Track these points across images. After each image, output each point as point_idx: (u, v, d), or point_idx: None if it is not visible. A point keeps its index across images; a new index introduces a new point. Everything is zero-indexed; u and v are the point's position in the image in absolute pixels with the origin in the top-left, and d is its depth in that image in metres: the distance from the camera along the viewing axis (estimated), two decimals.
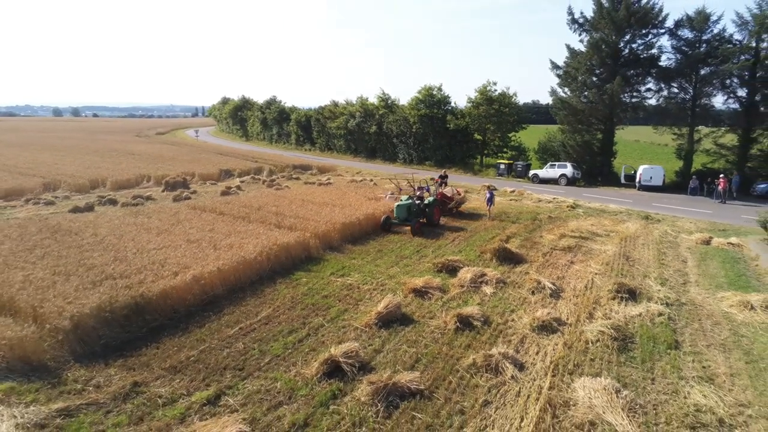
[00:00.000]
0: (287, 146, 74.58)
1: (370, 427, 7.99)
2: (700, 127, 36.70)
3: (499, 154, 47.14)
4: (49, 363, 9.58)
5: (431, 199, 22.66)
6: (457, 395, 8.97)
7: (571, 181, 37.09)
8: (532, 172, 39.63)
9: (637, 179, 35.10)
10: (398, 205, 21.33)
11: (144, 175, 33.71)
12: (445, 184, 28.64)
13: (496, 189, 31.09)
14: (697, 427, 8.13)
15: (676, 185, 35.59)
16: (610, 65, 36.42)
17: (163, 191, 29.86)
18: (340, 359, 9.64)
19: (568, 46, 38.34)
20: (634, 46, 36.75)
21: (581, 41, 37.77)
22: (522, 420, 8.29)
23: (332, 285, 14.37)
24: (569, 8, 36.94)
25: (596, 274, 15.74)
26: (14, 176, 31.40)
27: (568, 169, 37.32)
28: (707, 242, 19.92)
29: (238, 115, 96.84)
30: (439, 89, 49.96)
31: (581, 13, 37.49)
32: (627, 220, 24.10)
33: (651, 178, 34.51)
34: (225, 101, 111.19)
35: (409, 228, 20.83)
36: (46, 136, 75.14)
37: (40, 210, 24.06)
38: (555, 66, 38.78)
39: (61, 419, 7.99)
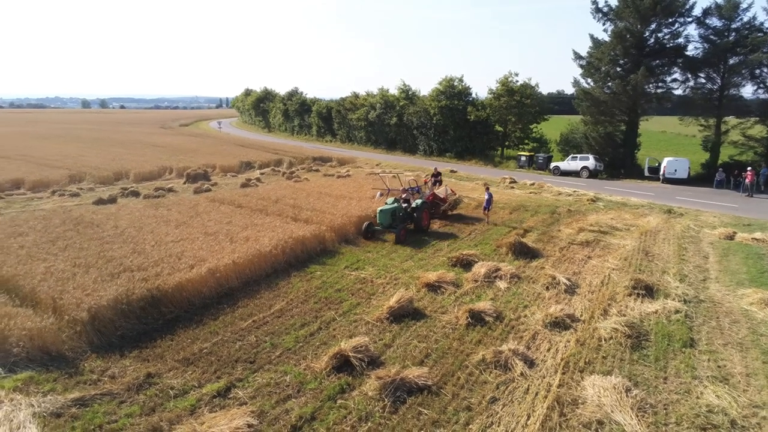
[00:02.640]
0: (308, 138, 74.93)
1: (376, 422, 8.06)
2: (727, 118, 35.75)
3: (520, 146, 46.64)
4: (67, 353, 9.85)
5: (419, 201, 20.11)
6: (465, 391, 8.98)
7: (592, 174, 36.54)
8: (553, 164, 39.14)
9: (661, 172, 34.42)
10: (381, 210, 18.72)
11: (166, 167, 34.27)
12: (439, 183, 25.89)
13: (491, 185, 29.16)
14: (708, 428, 8.00)
15: (702, 178, 34.79)
16: (635, 55, 35.62)
17: (184, 183, 30.32)
18: (350, 354, 9.72)
19: (591, 36, 37.65)
20: (659, 35, 35.88)
21: (605, 31, 37.07)
22: (529, 418, 8.26)
23: (346, 278, 14.46)
24: None
25: (613, 269, 15.54)
26: (41, 168, 32.17)
27: (590, 161, 36.76)
28: (731, 237, 19.46)
29: (260, 107, 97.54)
30: (461, 80, 49.65)
31: (605, 1, 36.74)
32: (648, 214, 23.67)
33: (675, 170, 33.80)
34: (248, 93, 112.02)
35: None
36: (73, 128, 76.73)
37: (65, 201, 24.66)
38: (578, 56, 38.11)
39: (76, 409, 8.23)
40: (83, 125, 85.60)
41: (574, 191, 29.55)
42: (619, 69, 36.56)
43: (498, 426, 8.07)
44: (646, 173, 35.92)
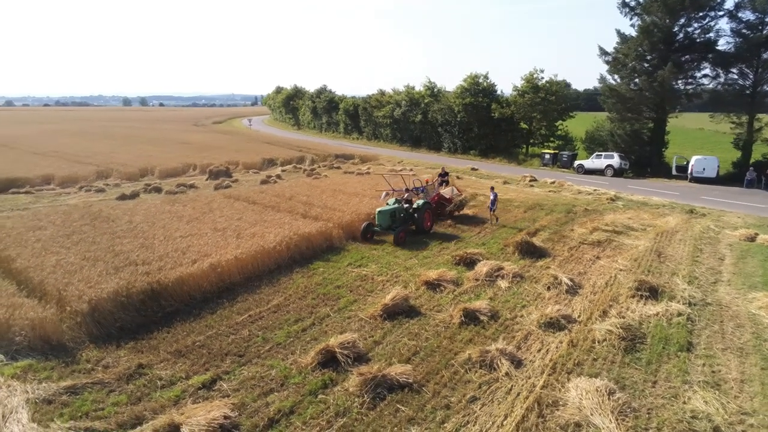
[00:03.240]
0: (336, 135, 75.48)
1: (353, 417, 8.15)
2: (761, 115, 34.40)
3: (545, 144, 45.96)
4: (67, 343, 10.26)
5: (421, 202, 19.42)
6: (447, 390, 8.99)
7: (617, 172, 35.74)
8: (577, 162, 38.43)
9: (689, 170, 33.44)
10: (380, 211, 18.11)
11: (190, 164, 35.06)
12: (446, 183, 25.16)
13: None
14: None
15: (732, 177, 33.63)
16: (663, 50, 34.65)
17: (206, 179, 31.00)
18: (336, 349, 9.83)
19: (618, 32, 36.74)
20: (689, 30, 34.84)
21: (632, 26, 36.21)
22: (506, 418, 8.23)
23: (348, 275, 14.59)
24: None
25: (621, 270, 15.25)
26: (71, 164, 33.38)
27: (615, 160, 35.97)
28: (752, 239, 18.82)
29: (290, 104, 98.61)
30: (485, 77, 49.21)
31: None
32: (668, 214, 23.05)
33: (704, 169, 32.79)
34: (278, 90, 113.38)
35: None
36: (109, 126, 79.18)
37: (90, 197, 25.53)
38: (603, 52, 37.27)
39: (67, 396, 8.58)
40: (119, 123, 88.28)
41: (595, 190, 28.99)
42: (646, 65, 35.64)
43: (473, 425, 8.06)
44: (674, 172, 34.92)
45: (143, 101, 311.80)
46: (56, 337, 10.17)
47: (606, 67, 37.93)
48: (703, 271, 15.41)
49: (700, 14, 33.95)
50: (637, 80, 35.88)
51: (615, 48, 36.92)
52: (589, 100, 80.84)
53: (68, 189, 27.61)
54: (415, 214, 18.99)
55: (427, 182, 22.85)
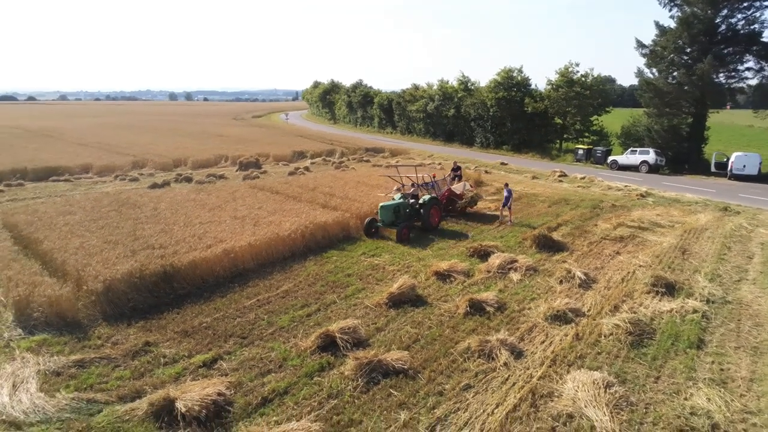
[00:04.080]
0: (370, 129, 75.73)
1: (344, 400, 8.26)
2: None
3: (580, 139, 44.95)
4: (82, 321, 10.73)
5: (427, 197, 18.57)
6: (442, 378, 8.99)
7: (653, 169, 34.66)
8: (611, 158, 37.43)
9: (729, 167, 32.15)
10: (383, 206, 17.42)
11: (223, 155, 35.84)
12: (459, 178, 24.18)
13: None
14: (685, 430, 7.61)
15: None
16: (704, 43, 33.36)
17: (236, 170, 31.65)
18: (337, 334, 9.96)
19: (657, 23, 35.62)
20: (732, 21, 33.42)
21: (671, 17, 34.93)
22: (497, 406, 8.18)
23: (360, 264, 14.70)
24: None
25: (641, 266, 14.83)
26: (110, 155, 34.64)
27: (651, 156, 34.87)
28: None
29: (327, 99, 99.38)
30: (520, 71, 48.41)
31: None
32: (700, 211, 22.23)
33: (744, 166, 31.48)
34: (316, 85, 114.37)
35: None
36: (152, 119, 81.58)
37: (124, 186, 26.46)
38: (641, 44, 36.15)
39: (75, 369, 9.00)
40: (162, 117, 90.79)
41: (626, 186, 28.19)
42: (685, 57, 34.42)
43: (464, 412, 8.04)
44: (713, 169, 33.64)
45: (188, 96, 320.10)
46: (72, 314, 10.65)
47: (643, 60, 36.82)
48: (727, 269, 14.86)
49: (745, 4, 32.55)
50: (675, 74, 34.68)
51: (653, 41, 35.79)
52: (633, 97, 78.70)
53: (105, 178, 28.68)
54: (421, 210, 18.16)
55: (434, 176, 21.90)
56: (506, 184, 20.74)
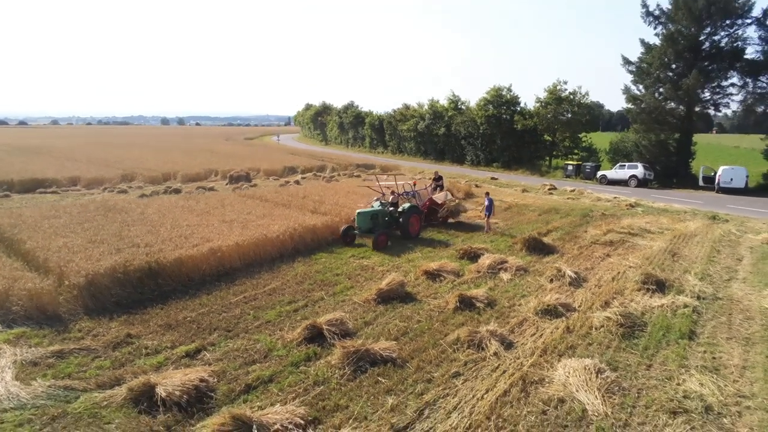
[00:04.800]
0: (361, 149, 76.13)
1: (331, 387, 8.03)
2: None
3: (569, 156, 45.34)
4: (63, 314, 10.45)
5: (407, 205, 18.15)
6: (431, 366, 8.78)
7: (642, 183, 34.94)
8: (600, 173, 37.75)
9: (716, 180, 32.46)
10: (360, 213, 17.03)
11: (213, 169, 35.78)
12: (441, 188, 23.62)
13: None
14: (678, 413, 7.45)
15: (763, 188, 32.60)
16: (689, 59, 34.02)
17: (226, 184, 31.54)
18: (324, 326, 9.76)
19: (642, 41, 36.34)
20: (716, 38, 34.10)
21: (656, 35, 35.62)
22: (487, 392, 7.99)
23: (349, 265, 14.55)
24: (643, 0, 34.93)
25: (631, 267, 14.79)
26: (99, 168, 34.44)
27: (639, 170, 35.19)
28: None
29: (319, 120, 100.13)
30: (509, 89, 49.03)
31: (657, 5, 35.46)
32: (689, 219, 22.34)
33: (731, 179, 31.80)
34: (307, 107, 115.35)
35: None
36: (143, 139, 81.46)
37: (113, 197, 26.19)
38: (627, 62, 36.81)
39: (53, 359, 8.72)
40: (154, 137, 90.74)
41: (615, 197, 28.40)
42: (671, 74, 35.01)
43: (453, 398, 7.84)
44: (701, 183, 33.99)
45: (181, 121, 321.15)
46: (52, 308, 10.38)
47: (630, 77, 37.41)
48: (717, 270, 14.85)
49: (727, 22, 33.26)
50: (661, 89, 35.20)
51: (639, 58, 36.45)
52: (623, 120, 79.89)
53: (93, 190, 28.46)
54: (400, 218, 17.74)
55: (414, 184, 21.42)
56: (487, 193, 20.49)
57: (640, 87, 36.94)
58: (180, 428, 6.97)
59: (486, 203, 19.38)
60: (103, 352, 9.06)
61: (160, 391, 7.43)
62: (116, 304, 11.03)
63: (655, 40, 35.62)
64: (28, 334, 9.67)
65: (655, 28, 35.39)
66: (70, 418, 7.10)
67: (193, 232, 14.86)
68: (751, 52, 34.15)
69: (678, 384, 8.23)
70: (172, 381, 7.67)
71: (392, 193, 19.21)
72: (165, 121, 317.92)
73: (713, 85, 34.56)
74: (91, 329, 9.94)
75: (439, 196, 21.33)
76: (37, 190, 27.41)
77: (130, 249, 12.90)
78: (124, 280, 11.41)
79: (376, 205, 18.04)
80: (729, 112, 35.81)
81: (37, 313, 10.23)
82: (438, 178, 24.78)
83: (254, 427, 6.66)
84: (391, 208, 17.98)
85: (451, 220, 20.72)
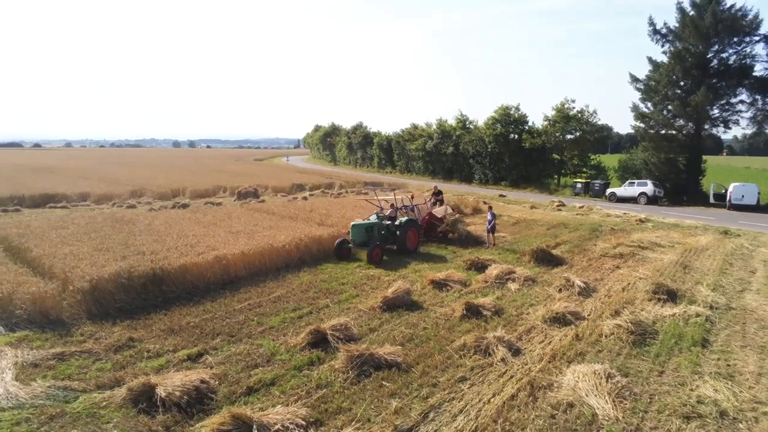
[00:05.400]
0: (370, 169, 76.29)
1: (334, 390, 7.86)
2: None
3: (578, 174, 45.17)
4: (66, 319, 10.40)
5: (404, 219, 17.64)
6: (437, 372, 8.59)
7: (651, 200, 34.63)
8: (609, 190, 37.48)
9: (728, 197, 32.13)
10: (355, 225, 16.50)
11: (221, 186, 35.99)
12: (441, 202, 23.06)
13: (486, 203, 25.06)
14: (692, 418, 7.20)
15: None
16: (697, 76, 33.99)
17: (234, 200, 31.65)
18: (328, 331, 9.63)
19: (650, 59, 36.38)
20: (724, 55, 34.12)
21: (664, 53, 35.66)
22: (494, 396, 7.79)
23: (355, 275, 14.43)
24: (650, 18, 35.21)
25: (641, 278, 14.54)
26: (109, 185, 34.75)
27: (649, 187, 34.91)
28: None
29: (327, 141, 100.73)
30: (517, 108, 49.13)
31: (664, 23, 35.63)
32: (700, 234, 22.03)
33: (743, 196, 31.46)
34: (317, 128, 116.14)
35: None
36: (154, 159, 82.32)
37: (121, 210, 26.32)
38: (635, 79, 36.83)
39: (54, 361, 8.63)
40: (165, 158, 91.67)
41: (624, 213, 28.14)
42: (678, 91, 34.96)
43: (459, 401, 7.65)
44: (711, 200, 33.63)
45: (192, 144, 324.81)
46: (55, 312, 10.34)
47: (638, 95, 37.41)
48: (730, 281, 14.56)
49: (735, 39, 33.28)
50: (670, 107, 35.12)
51: (647, 75, 36.48)
52: (631, 142, 79.81)
53: (102, 205, 28.62)
54: (397, 232, 17.14)
55: (412, 197, 20.88)
56: (490, 207, 20.08)
57: (649, 105, 36.92)
58: (179, 428, 6.83)
59: (489, 218, 18.87)
60: (105, 355, 8.97)
61: (160, 392, 7.31)
62: (119, 310, 10.96)
63: (663, 58, 35.76)
64: (31, 337, 9.61)
65: (662, 45, 35.55)
66: (68, 418, 6.98)
67: (198, 241, 14.84)
68: (759, 69, 34.24)
69: (691, 390, 7.97)
70: (172, 381, 7.55)
71: (390, 206, 18.74)
72: (176, 144, 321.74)
73: (722, 102, 34.48)
74: (94, 333, 9.86)
75: (438, 211, 20.82)
76: (48, 205, 27.67)
77: (135, 256, 12.88)
78: (128, 286, 11.36)
79: (373, 218, 17.49)
80: (739, 134, 35.70)
81: (40, 317, 10.20)
82: (437, 193, 24.25)
83: (254, 427, 6.50)
84: (388, 222, 17.41)
85: (451, 236, 19.88)
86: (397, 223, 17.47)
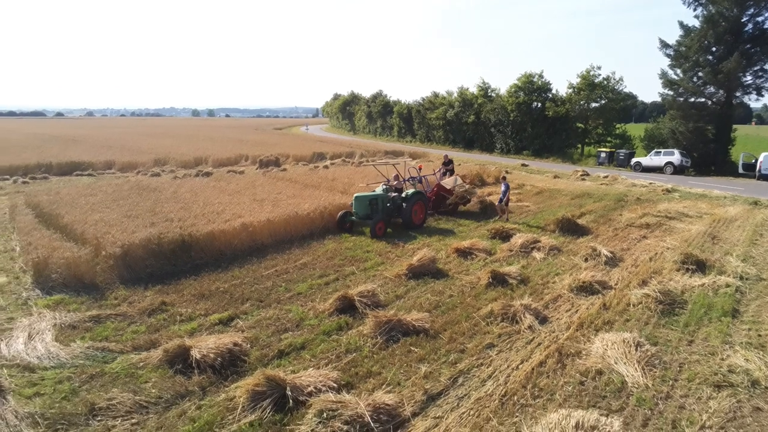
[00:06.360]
0: (390, 138, 75.78)
1: (363, 354, 7.99)
2: None
3: (602, 144, 44.30)
4: (100, 283, 10.68)
5: (410, 191, 16.58)
6: (464, 338, 8.66)
7: (678, 170, 33.86)
8: (634, 160, 36.71)
9: (758, 167, 31.28)
10: (358, 197, 15.59)
11: (243, 155, 36.06)
12: (451, 173, 21.76)
13: (509, 172, 22.24)
14: (723, 386, 7.18)
15: None
16: (730, 42, 32.70)
17: (256, 168, 31.76)
18: (355, 297, 9.75)
19: (681, 23, 35.10)
20: (759, 20, 32.79)
21: (696, 17, 34.35)
22: (522, 362, 7.84)
23: (379, 243, 14.48)
24: None
25: (668, 248, 14.36)
26: (133, 154, 35.10)
27: (676, 157, 34.11)
28: None
29: (347, 110, 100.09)
30: (540, 76, 48.04)
31: None
32: (729, 205, 21.58)
33: None
34: (336, 97, 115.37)
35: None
36: (175, 129, 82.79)
37: (146, 179, 26.62)
38: (664, 45, 35.59)
39: (91, 323, 8.90)
40: (185, 127, 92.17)
41: (650, 183, 27.62)
42: (710, 57, 33.78)
43: (487, 367, 7.73)
44: (741, 170, 32.76)
45: (211, 113, 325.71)
46: (89, 276, 10.60)
47: (667, 61, 36.29)
48: (761, 252, 14.28)
49: None
50: (700, 73, 34.04)
51: (677, 41, 35.23)
52: (657, 111, 77.81)
53: (127, 173, 28.97)
54: (403, 204, 16.20)
55: (420, 168, 19.96)
56: (503, 177, 19.20)
57: (678, 71, 35.75)
58: (214, 389, 7.02)
59: (502, 188, 17.74)
60: (139, 318, 9.21)
61: (195, 353, 7.50)
62: (150, 275, 11.21)
63: (695, 23, 34.46)
64: (67, 300, 9.89)
65: (694, 10, 34.22)
66: (107, 377, 7.21)
67: (224, 209, 15.00)
68: None
69: (722, 359, 7.94)
70: (206, 344, 7.74)
71: (395, 178, 17.86)
72: (195, 113, 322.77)
73: (755, 68, 33.24)
74: (127, 297, 10.11)
75: (448, 182, 19.50)
76: (74, 173, 28.10)
77: (163, 223, 13.08)
78: (158, 252, 11.57)
79: (379, 190, 16.77)
80: None
81: (75, 281, 10.46)
82: (448, 162, 22.99)
83: (288, 388, 6.65)
84: (393, 194, 16.51)
85: (461, 208, 19.34)
86: (403, 195, 16.57)
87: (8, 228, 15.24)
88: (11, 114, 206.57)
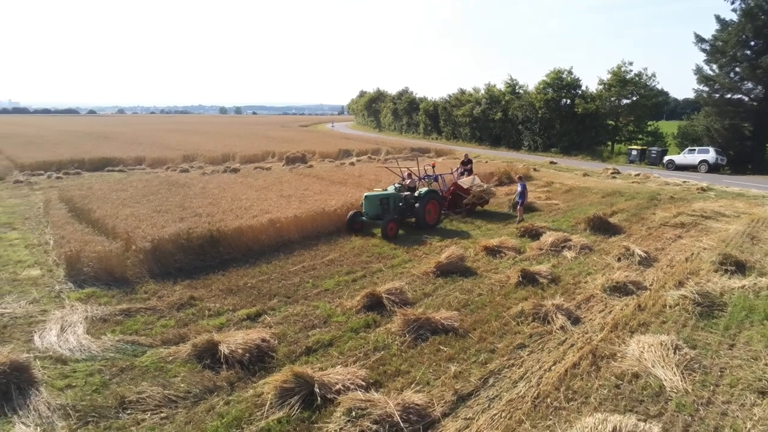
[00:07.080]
0: (415, 136, 75.54)
1: (391, 353, 7.88)
2: None
3: (633, 141, 43.35)
4: (130, 277, 10.79)
5: (424, 190, 16.00)
6: (494, 338, 8.48)
7: (713, 168, 32.91)
8: (667, 158, 35.80)
9: None
10: (368, 197, 14.99)
11: (270, 151, 36.36)
12: (469, 172, 21.33)
13: (521, 178, 19.53)
14: (767, 393, 6.87)
15: None
16: None
17: (283, 165, 31.95)
18: (383, 294, 9.64)
19: (717, 17, 34.07)
20: None
21: (733, 10, 33.31)
22: (555, 364, 7.63)
23: (406, 239, 14.38)
24: None
25: (705, 249, 13.90)
26: (162, 150, 35.67)
27: (711, 155, 33.14)
28: None
29: (372, 107, 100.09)
30: (570, 72, 47.25)
31: None
32: None
33: None
34: (361, 94, 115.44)
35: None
36: (203, 126, 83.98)
37: (175, 174, 26.99)
38: (700, 39, 34.60)
39: (121, 317, 8.98)
40: (213, 124, 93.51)
41: (684, 182, 26.89)
42: (748, 52, 32.73)
43: (518, 368, 7.54)
44: None
45: (238, 110, 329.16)
46: (120, 270, 10.71)
47: (703, 56, 35.26)
48: None
49: None
50: (737, 69, 32.99)
51: (714, 35, 34.23)
52: (690, 108, 75.84)
53: (156, 169, 29.46)
54: (416, 204, 15.62)
55: (433, 165, 19.37)
56: (520, 177, 18.21)
57: (714, 67, 34.73)
58: (242, 384, 6.99)
59: (519, 189, 17.01)
60: (168, 313, 9.26)
61: (223, 349, 7.48)
62: (179, 270, 11.29)
63: (732, 17, 33.43)
64: (98, 293, 10.01)
65: (732, 3, 33.19)
66: (137, 371, 7.24)
67: (252, 204, 15.07)
68: None
69: (765, 364, 7.58)
70: (234, 339, 7.72)
71: (409, 176, 17.32)
72: (223, 111, 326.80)
73: None
74: (157, 291, 10.19)
75: (465, 181, 18.90)
76: (106, 169, 28.70)
77: (192, 218, 13.19)
78: (187, 247, 11.65)
79: (391, 189, 16.15)
80: None
81: (106, 274, 10.59)
82: (467, 162, 22.39)
83: (316, 385, 6.57)
84: (406, 193, 15.89)
85: (479, 208, 18.76)
86: (416, 194, 15.94)
87: (42, 222, 15.59)
88: (46, 111, 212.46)
